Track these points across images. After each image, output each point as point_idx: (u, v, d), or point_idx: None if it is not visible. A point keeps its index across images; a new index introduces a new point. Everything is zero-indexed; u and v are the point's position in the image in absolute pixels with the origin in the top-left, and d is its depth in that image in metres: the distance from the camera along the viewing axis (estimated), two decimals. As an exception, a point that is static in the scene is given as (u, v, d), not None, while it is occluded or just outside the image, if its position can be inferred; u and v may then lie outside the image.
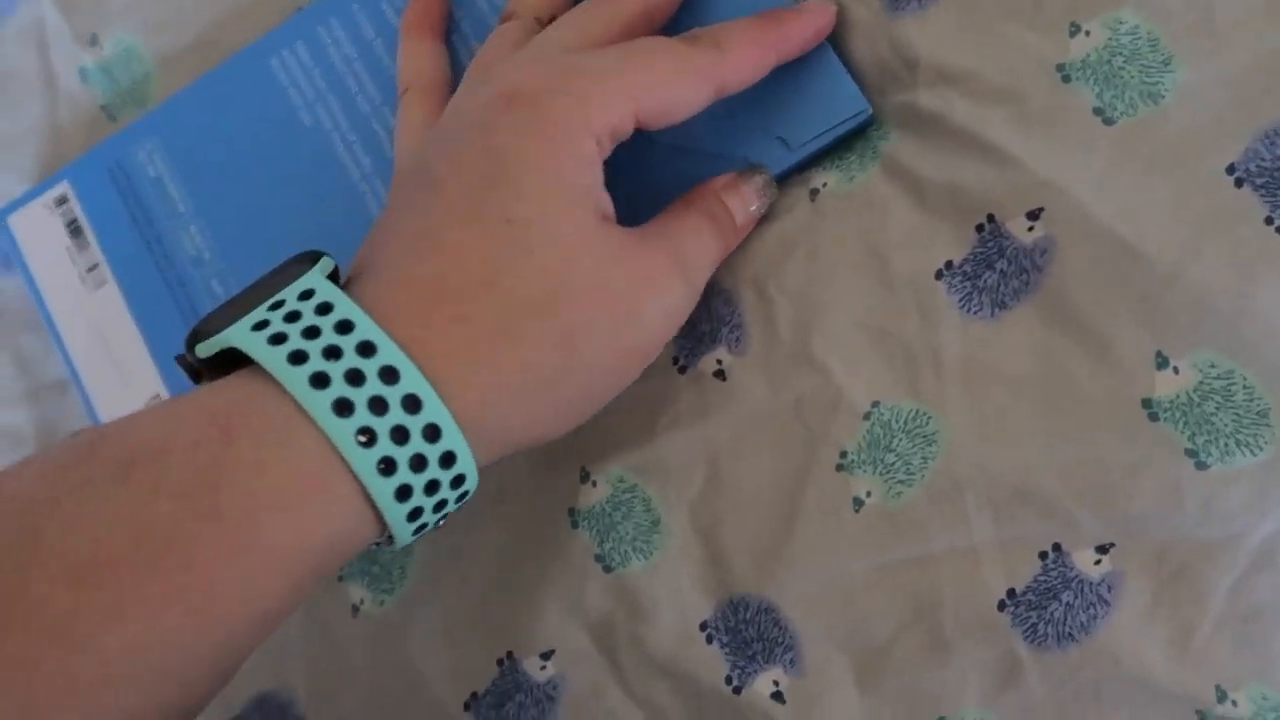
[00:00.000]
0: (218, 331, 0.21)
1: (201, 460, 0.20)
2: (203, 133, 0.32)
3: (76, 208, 0.33)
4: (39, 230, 0.33)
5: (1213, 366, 0.24)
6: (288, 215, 0.31)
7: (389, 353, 0.21)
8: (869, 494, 0.26)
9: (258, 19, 0.33)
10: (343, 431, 0.20)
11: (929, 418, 0.26)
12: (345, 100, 0.31)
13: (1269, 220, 0.24)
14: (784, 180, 0.28)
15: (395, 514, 0.21)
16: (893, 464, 0.26)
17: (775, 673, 0.27)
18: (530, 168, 0.23)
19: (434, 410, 0.21)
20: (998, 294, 0.26)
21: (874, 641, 0.26)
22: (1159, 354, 0.25)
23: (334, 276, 0.23)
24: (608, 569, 0.28)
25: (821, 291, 0.27)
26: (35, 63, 0.35)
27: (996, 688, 0.25)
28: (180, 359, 0.23)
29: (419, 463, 0.21)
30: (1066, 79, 0.26)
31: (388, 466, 0.20)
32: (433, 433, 0.21)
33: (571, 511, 0.28)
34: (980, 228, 0.26)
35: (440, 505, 0.22)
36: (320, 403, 0.20)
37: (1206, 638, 0.24)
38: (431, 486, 0.21)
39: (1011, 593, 0.25)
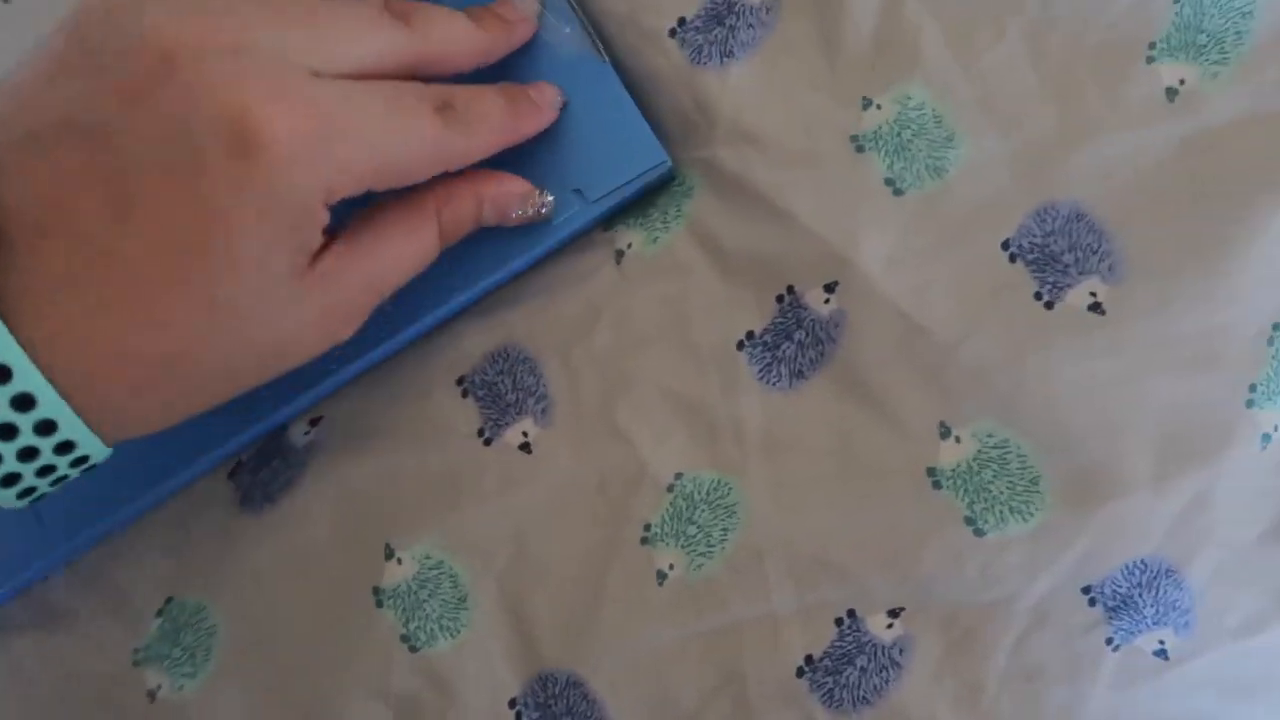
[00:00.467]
0: None
1: None
2: None
3: None
4: None
5: (990, 436, 0.25)
6: None
7: (46, 402, 0.20)
8: (672, 567, 0.26)
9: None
10: None
11: (730, 488, 0.26)
12: None
13: (1038, 295, 0.25)
14: (586, 239, 0.28)
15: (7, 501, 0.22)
16: (694, 536, 0.26)
17: (585, 746, 0.27)
18: (250, 248, 0.21)
19: (72, 430, 0.21)
20: (795, 364, 0.26)
21: (681, 712, 0.26)
22: (942, 424, 0.25)
23: None
24: (414, 649, 0.27)
25: (627, 360, 0.27)
26: None
27: (800, 752, 0.26)
28: None
29: (28, 454, 0.21)
30: (860, 149, 0.27)
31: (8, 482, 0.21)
32: (64, 449, 0.21)
33: (376, 591, 0.27)
34: (780, 298, 0.27)
35: (58, 480, 0.22)
36: None
37: (992, 697, 0.25)
38: (45, 470, 0.22)
39: (810, 659, 0.26)
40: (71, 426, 0.21)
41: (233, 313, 0.21)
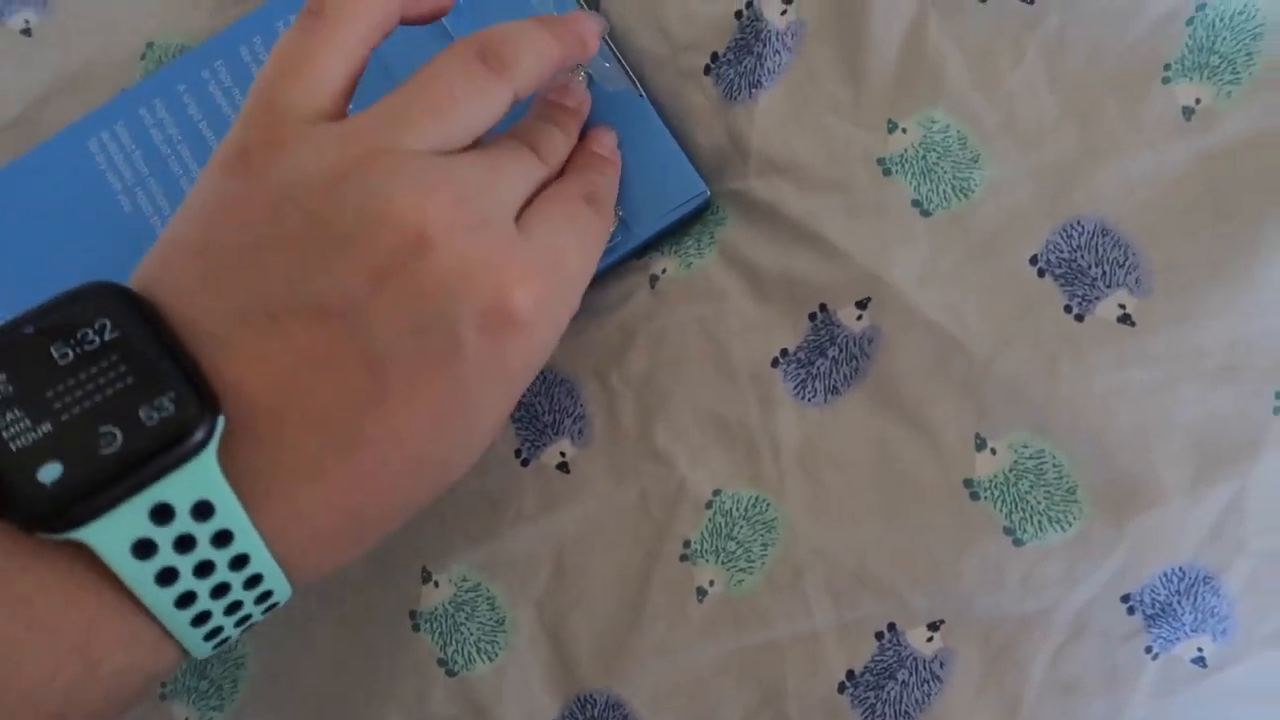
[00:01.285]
0: (83, 521, 0.17)
1: (63, 685, 0.18)
2: (19, 215, 0.30)
3: None
4: None
5: (1025, 447, 0.26)
6: None
7: (260, 562, 0.20)
8: (712, 583, 0.26)
9: (83, 98, 0.32)
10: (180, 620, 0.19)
11: (768, 504, 0.27)
12: (168, 183, 0.30)
13: (1068, 309, 0.26)
14: (623, 266, 0.29)
15: (199, 649, 0.20)
16: (734, 552, 0.26)
17: (626, 768, 0.26)
18: (486, 419, 0.21)
19: (262, 565, 0.20)
20: (830, 380, 0.27)
21: (723, 731, 0.26)
22: (978, 436, 0.26)
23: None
24: (451, 673, 0.27)
25: (664, 381, 0.27)
26: None
27: (842, 769, 0.26)
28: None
29: (232, 609, 0.20)
30: (887, 172, 0.27)
31: (199, 621, 0.20)
32: (253, 583, 0.20)
33: (412, 614, 0.27)
34: (813, 316, 0.27)
35: (243, 620, 0.21)
36: (180, 619, 0.19)
37: (1031, 708, 0.25)
38: (233, 607, 0.20)
39: (851, 674, 0.26)
40: (273, 577, 0.20)
41: (446, 470, 0.22)
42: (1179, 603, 0.25)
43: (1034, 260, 0.26)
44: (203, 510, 0.18)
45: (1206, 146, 0.26)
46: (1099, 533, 0.25)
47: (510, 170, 0.23)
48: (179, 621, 0.19)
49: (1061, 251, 0.26)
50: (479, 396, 0.21)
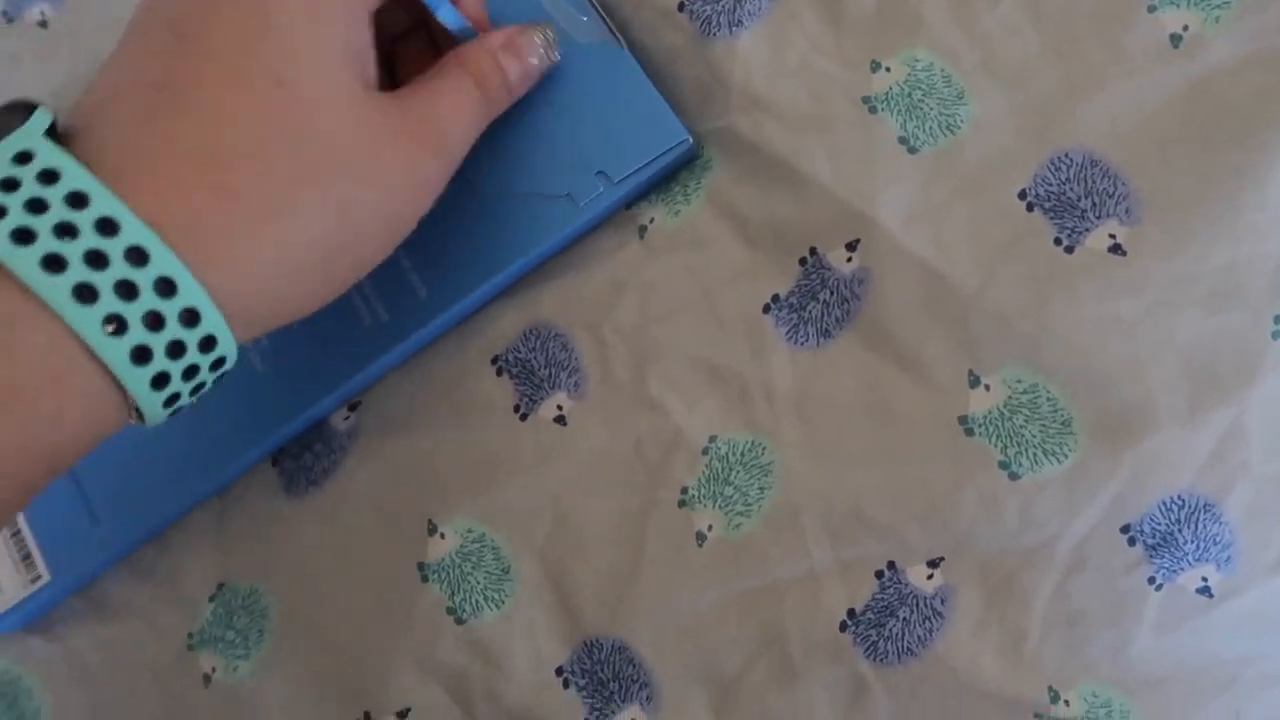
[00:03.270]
0: None
1: None
2: None
3: None
4: None
5: (1019, 381, 0.25)
6: None
7: (134, 231, 0.19)
8: (710, 528, 0.27)
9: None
10: (87, 320, 0.18)
11: (764, 448, 0.27)
12: None
13: (1057, 241, 0.26)
14: (610, 216, 0.29)
15: (150, 401, 0.20)
16: (731, 496, 0.27)
17: (633, 711, 0.27)
18: (299, 23, 0.21)
19: (191, 293, 0.19)
20: (822, 324, 0.27)
21: (726, 672, 0.26)
22: (971, 373, 0.26)
23: (53, 133, 0.20)
24: (460, 621, 0.28)
25: (655, 331, 0.28)
26: None
27: (846, 707, 0.26)
28: None
29: (176, 349, 0.19)
30: (873, 110, 0.27)
31: (142, 355, 0.19)
32: (190, 317, 0.19)
33: (420, 566, 0.28)
34: (803, 260, 0.27)
35: (197, 388, 0.21)
36: (57, 289, 0.18)
37: (1036, 642, 0.25)
38: (190, 371, 0.20)
39: (852, 613, 0.26)
40: (226, 341, 0.20)
41: (306, 106, 0.21)
42: (1180, 532, 0.25)
43: (1022, 195, 0.26)
44: (22, 158, 0.19)
45: (1195, 73, 0.26)
46: (1095, 463, 0.25)
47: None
48: (44, 283, 0.18)
49: (1050, 184, 0.26)
50: (282, 14, 0.21)
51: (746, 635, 0.26)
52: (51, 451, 0.19)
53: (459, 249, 0.28)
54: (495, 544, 0.28)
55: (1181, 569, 0.25)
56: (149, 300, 0.19)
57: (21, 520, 0.29)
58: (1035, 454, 0.25)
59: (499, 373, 0.28)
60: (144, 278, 0.19)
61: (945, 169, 0.27)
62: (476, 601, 0.28)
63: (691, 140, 0.28)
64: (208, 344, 0.20)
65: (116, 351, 0.19)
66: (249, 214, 0.20)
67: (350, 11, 0.22)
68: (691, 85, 0.28)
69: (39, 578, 0.28)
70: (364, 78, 0.23)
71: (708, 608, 0.27)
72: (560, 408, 0.28)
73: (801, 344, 0.27)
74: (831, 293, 0.27)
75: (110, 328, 0.18)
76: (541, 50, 0.27)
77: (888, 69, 0.27)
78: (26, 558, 0.29)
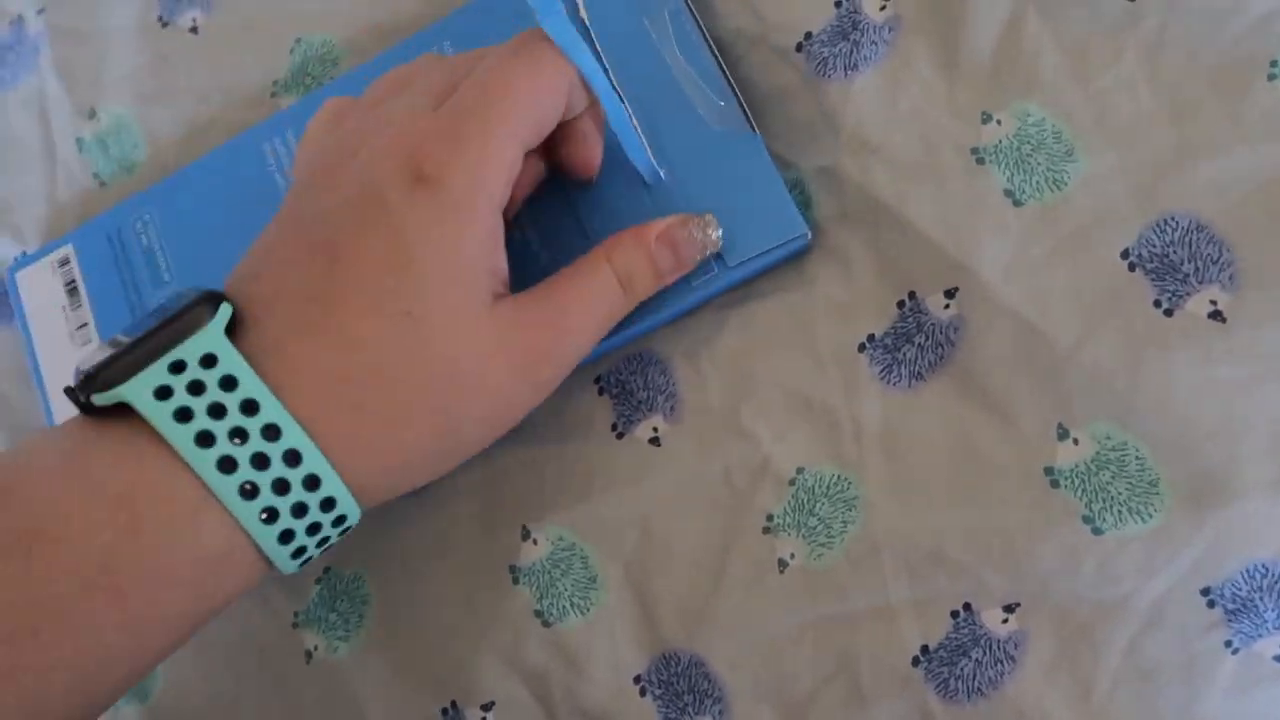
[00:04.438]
0: (116, 383, 0.22)
1: (105, 542, 0.21)
2: (195, 208, 0.33)
3: (76, 270, 0.34)
4: (41, 287, 0.35)
5: (1108, 438, 0.26)
6: None
7: (293, 436, 0.22)
8: (793, 555, 0.28)
9: (241, 94, 0.35)
10: (249, 513, 0.22)
11: (849, 483, 0.28)
12: None
13: (1157, 303, 0.26)
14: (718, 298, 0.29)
15: (286, 566, 0.23)
16: (815, 527, 0.28)
17: (705, 723, 0.28)
18: (433, 257, 0.23)
19: (332, 487, 0.23)
20: (915, 366, 0.28)
21: (797, 694, 0.28)
22: (1060, 425, 0.26)
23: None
24: (546, 624, 0.29)
25: (752, 361, 0.29)
26: (37, 132, 0.38)
27: (912, 739, 0.27)
28: (69, 391, 0.23)
29: (313, 529, 0.23)
30: (980, 161, 0.28)
31: (285, 539, 0.23)
32: (328, 505, 0.23)
33: (512, 569, 0.30)
34: (901, 304, 0.28)
35: (323, 541, 0.24)
36: (228, 488, 0.21)
37: (1105, 693, 0.26)
38: (313, 528, 0.23)
39: (925, 649, 0.27)
40: (331, 483, 0.23)
41: (429, 334, 0.23)
42: (1261, 599, 0.25)
43: (1125, 254, 0.26)
44: (208, 361, 0.22)
45: (1311, 144, 0.26)
46: (1179, 525, 0.25)
47: None
48: (221, 484, 0.21)
49: (1154, 246, 0.26)
50: (421, 248, 0.23)
51: (820, 660, 0.27)
52: (212, 614, 0.23)
53: None
54: (585, 553, 0.29)
55: (1260, 635, 0.25)
56: (298, 494, 0.22)
57: None
58: (1120, 511, 0.26)
59: (600, 392, 0.30)
60: (295, 476, 0.22)
61: (1049, 224, 0.27)
62: (563, 607, 0.29)
63: (810, 235, 0.28)
64: (339, 521, 0.24)
65: (269, 539, 0.22)
66: (373, 426, 0.23)
67: (490, 235, 0.24)
68: (800, 123, 0.29)
69: None
70: (492, 288, 0.25)
71: (784, 631, 0.28)
72: (655, 429, 0.29)
73: (894, 384, 0.28)
74: (927, 337, 0.28)
75: (264, 516, 0.22)
76: (700, 244, 0.27)
77: (998, 121, 0.28)
78: None
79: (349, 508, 0.23)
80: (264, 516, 0.22)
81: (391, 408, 0.23)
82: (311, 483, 0.22)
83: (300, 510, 0.22)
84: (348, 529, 0.24)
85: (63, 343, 0.34)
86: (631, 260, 0.26)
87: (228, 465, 0.21)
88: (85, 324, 0.34)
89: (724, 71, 0.29)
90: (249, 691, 0.31)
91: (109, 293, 0.34)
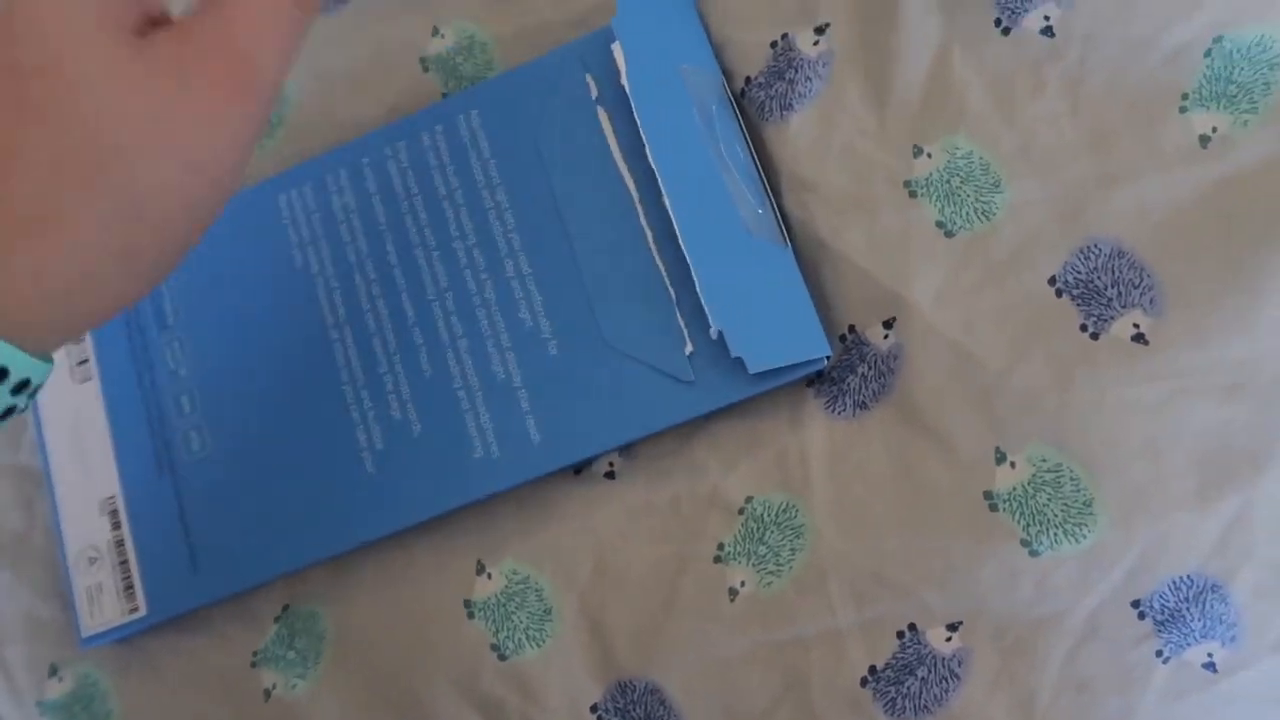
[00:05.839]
0: None
1: None
2: (206, 254, 0.32)
3: None
4: None
5: (1044, 460, 0.27)
6: (260, 347, 0.32)
7: None
8: (743, 584, 0.28)
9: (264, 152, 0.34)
10: None
11: (797, 510, 0.28)
12: (335, 247, 0.32)
13: (1083, 327, 0.27)
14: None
15: None
16: (764, 555, 0.28)
17: (662, 749, 0.29)
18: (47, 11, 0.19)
19: None
20: (859, 396, 0.29)
21: (751, 715, 0.28)
22: (997, 449, 0.27)
23: None
24: (503, 657, 0.29)
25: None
26: None
27: (863, 757, 0.28)
28: None
29: None
30: (913, 194, 0.29)
31: None
32: None
33: (467, 603, 0.30)
34: (843, 337, 0.29)
35: (8, 411, 0.19)
36: None
37: (1046, 705, 0.27)
38: (7, 411, 0.19)
39: (873, 669, 0.28)
40: (21, 367, 0.18)
41: (62, 92, 0.18)
42: (1188, 609, 0.26)
43: (1052, 280, 0.28)
44: None
45: (1221, 173, 0.27)
46: (1111, 542, 0.26)
47: None
48: None
49: (1079, 272, 0.27)
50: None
51: (772, 682, 0.28)
52: None
53: (579, 406, 0.29)
54: (539, 586, 0.30)
55: (1188, 644, 0.26)
56: None
57: (131, 552, 0.31)
58: (1056, 534, 0.27)
59: (549, 424, 0.30)
60: None
61: (979, 253, 0.28)
62: (519, 639, 0.29)
63: (831, 356, 0.28)
64: (18, 388, 0.19)
65: None
66: (10, 228, 0.18)
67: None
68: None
69: (136, 609, 0.31)
70: (133, 28, 0.19)
71: (737, 655, 0.28)
72: (611, 464, 0.30)
73: (839, 414, 0.29)
74: (870, 367, 0.29)
75: None
76: None
77: (928, 155, 0.29)
78: (129, 589, 0.31)
79: (13, 361, 0.18)
80: None
81: (33, 198, 0.18)
82: None
83: None
84: (35, 389, 0.20)
85: (62, 377, 0.33)
86: None
87: None
88: (86, 360, 0.33)
89: (761, 176, 0.30)
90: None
91: (113, 330, 0.33)
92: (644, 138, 0.28)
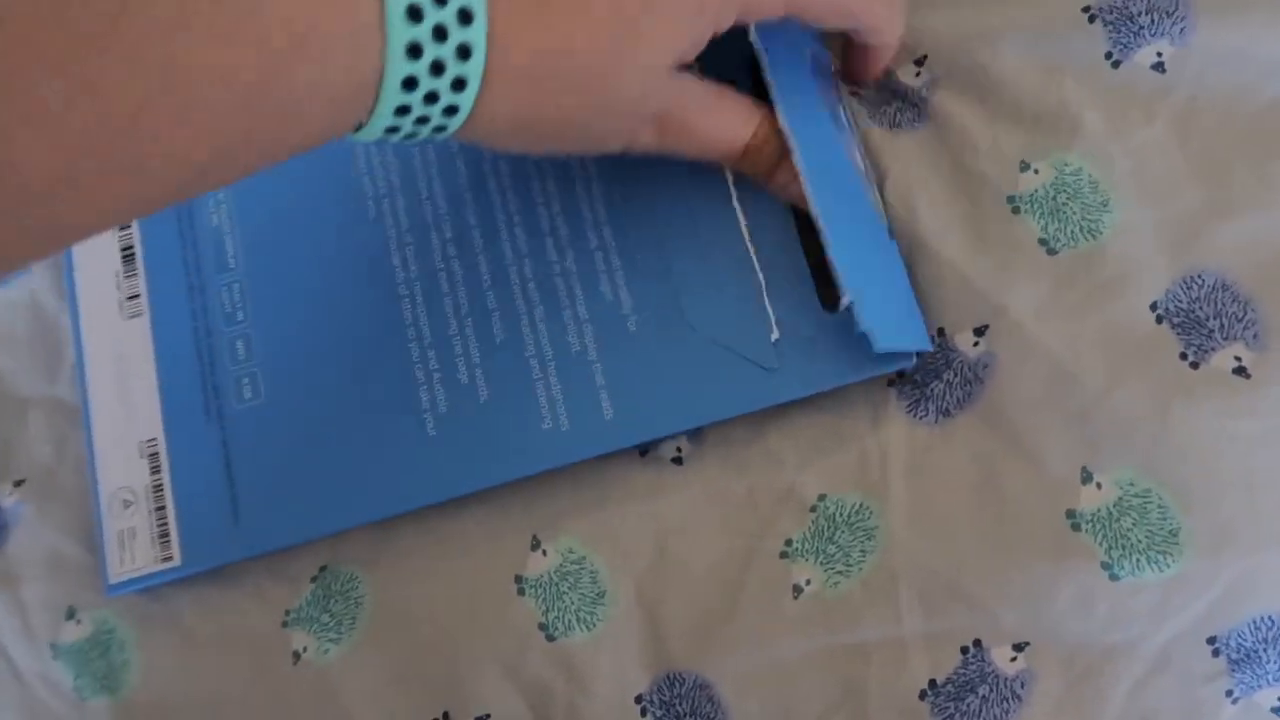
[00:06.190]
0: None
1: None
2: (274, 198, 0.31)
3: (135, 235, 0.32)
4: (94, 249, 0.32)
5: (1132, 484, 0.26)
6: (325, 298, 0.31)
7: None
8: (808, 582, 0.28)
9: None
10: (399, 40, 0.20)
11: (871, 512, 0.28)
12: (412, 202, 0.31)
13: (1183, 356, 0.27)
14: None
15: (377, 125, 0.22)
16: (833, 555, 0.28)
17: (706, 748, 0.28)
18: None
19: (474, 70, 0.21)
20: (943, 402, 0.28)
21: (803, 721, 0.27)
22: (1084, 469, 0.27)
23: None
24: (550, 638, 0.28)
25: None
26: None
27: (915, 773, 0.27)
28: None
29: (430, 98, 0.21)
30: (1016, 210, 0.28)
31: (414, 51, 0.21)
32: (458, 86, 0.21)
33: (519, 579, 0.29)
34: (930, 339, 0.28)
35: (421, 119, 0.22)
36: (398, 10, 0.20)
37: (1108, 737, 0.26)
38: (430, 98, 0.22)
39: (933, 683, 0.27)
40: (472, 87, 0.21)
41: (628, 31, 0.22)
42: (1265, 650, 0.26)
43: (1154, 306, 0.27)
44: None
45: (1335, 211, 0.27)
46: (1195, 574, 0.26)
47: None
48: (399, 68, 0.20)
49: (1180, 301, 0.27)
50: None
51: (828, 688, 0.27)
52: (310, 118, 0.21)
53: (655, 386, 0.28)
54: (595, 568, 0.29)
55: (1260, 686, 0.26)
56: (443, 51, 0.21)
57: (169, 498, 0.30)
58: (1139, 560, 0.26)
59: (620, 403, 0.29)
60: (454, 35, 0.21)
61: (1082, 271, 0.28)
62: (569, 621, 0.28)
63: (931, 348, 0.28)
64: (448, 110, 0.22)
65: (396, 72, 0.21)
66: (547, 44, 0.22)
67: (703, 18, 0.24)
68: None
69: (170, 559, 0.29)
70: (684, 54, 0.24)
71: (794, 657, 0.27)
72: (680, 449, 0.29)
73: (921, 419, 0.28)
74: (955, 374, 0.28)
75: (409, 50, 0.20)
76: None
77: (1036, 170, 0.28)
78: (164, 537, 0.30)
79: (466, 103, 0.22)
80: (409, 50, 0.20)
81: (569, 39, 0.22)
82: (462, 52, 0.21)
83: (437, 69, 0.21)
84: (443, 130, 0.23)
85: (110, 312, 0.32)
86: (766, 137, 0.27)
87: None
88: (137, 295, 0.32)
89: (870, 169, 0.29)
90: (230, 689, 0.30)
91: (168, 266, 0.32)
92: (775, 99, 0.27)
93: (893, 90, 0.30)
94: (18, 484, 0.33)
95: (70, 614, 0.31)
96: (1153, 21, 0.28)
